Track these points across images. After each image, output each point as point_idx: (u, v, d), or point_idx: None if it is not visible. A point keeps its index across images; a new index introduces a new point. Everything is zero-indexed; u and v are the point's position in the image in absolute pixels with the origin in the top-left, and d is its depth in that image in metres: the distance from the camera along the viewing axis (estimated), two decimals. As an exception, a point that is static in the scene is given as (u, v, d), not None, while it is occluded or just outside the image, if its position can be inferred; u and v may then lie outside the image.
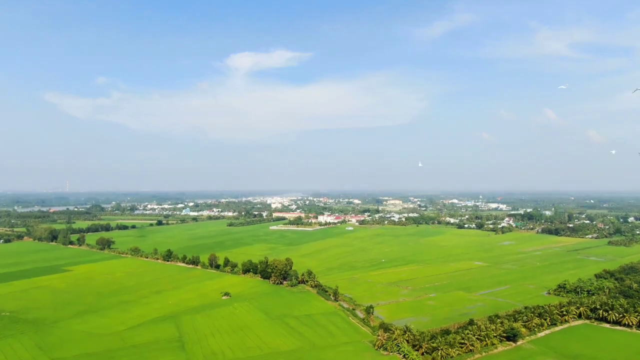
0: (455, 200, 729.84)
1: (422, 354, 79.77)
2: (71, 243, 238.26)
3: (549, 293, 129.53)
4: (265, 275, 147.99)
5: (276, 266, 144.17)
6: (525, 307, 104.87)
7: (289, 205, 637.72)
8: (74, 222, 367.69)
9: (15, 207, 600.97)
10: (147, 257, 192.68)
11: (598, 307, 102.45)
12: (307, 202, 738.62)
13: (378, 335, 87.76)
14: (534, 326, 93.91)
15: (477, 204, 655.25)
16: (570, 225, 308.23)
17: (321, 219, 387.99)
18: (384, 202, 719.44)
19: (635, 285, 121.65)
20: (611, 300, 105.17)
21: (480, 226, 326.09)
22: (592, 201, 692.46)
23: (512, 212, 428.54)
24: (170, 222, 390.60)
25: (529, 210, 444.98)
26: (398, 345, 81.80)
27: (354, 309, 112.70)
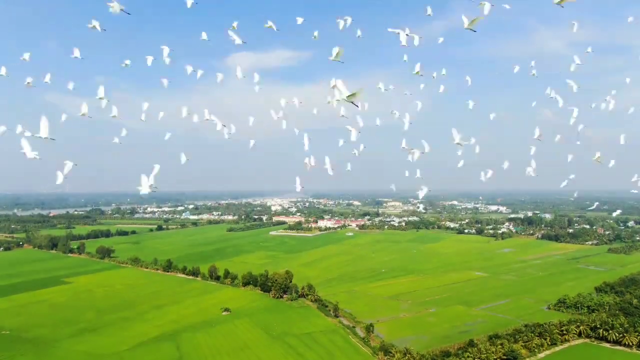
0: (455, 202, 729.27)
1: (422, 379, 79.88)
2: (71, 251, 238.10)
3: (549, 308, 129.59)
4: (266, 289, 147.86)
5: (276, 280, 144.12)
6: (526, 326, 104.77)
7: (289, 207, 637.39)
8: (74, 227, 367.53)
9: (15, 210, 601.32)
10: (147, 267, 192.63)
11: (598, 326, 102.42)
12: (307, 204, 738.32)
13: (378, 358, 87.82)
14: (534, 347, 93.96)
15: (477, 205, 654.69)
16: (570, 231, 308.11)
17: (321, 223, 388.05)
18: (384, 204, 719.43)
19: (635, 301, 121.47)
20: (611, 318, 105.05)
21: (480, 231, 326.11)
22: (589, 202, 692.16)
23: (512, 216, 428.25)
24: (170, 226, 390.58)
25: (529, 214, 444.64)
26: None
27: (354, 327, 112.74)
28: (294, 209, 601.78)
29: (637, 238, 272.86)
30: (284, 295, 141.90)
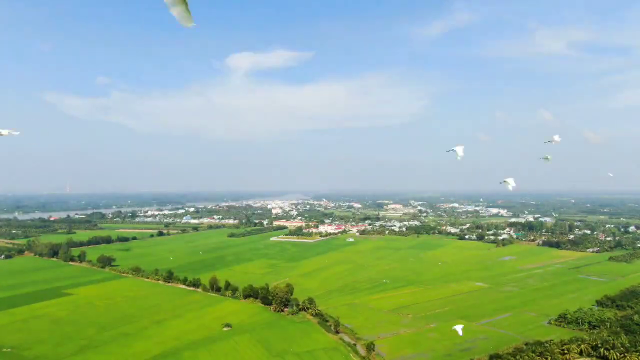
0: (456, 204, 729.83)
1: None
2: (72, 259, 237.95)
3: (550, 323, 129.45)
4: (266, 302, 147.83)
5: (277, 293, 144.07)
6: (527, 344, 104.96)
7: (290, 210, 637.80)
8: (74, 232, 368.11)
9: (16, 214, 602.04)
10: (147, 278, 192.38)
11: (599, 344, 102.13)
12: (308, 206, 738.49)
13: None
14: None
15: (477, 208, 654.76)
16: (571, 237, 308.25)
17: (322, 228, 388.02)
18: (385, 207, 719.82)
19: (636, 317, 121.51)
20: (612, 337, 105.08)
21: (481, 237, 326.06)
22: (590, 205, 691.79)
23: (513, 220, 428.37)
24: (171, 231, 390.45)
25: (529, 218, 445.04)
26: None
27: (354, 344, 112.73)
28: (294, 212, 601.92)
29: (638, 245, 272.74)
30: (285, 309, 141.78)
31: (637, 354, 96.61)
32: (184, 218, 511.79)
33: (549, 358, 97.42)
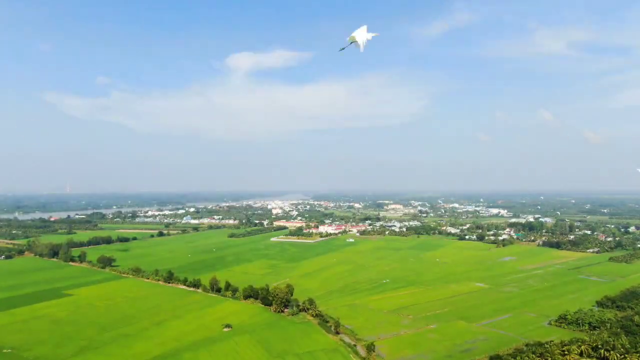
0: (456, 205, 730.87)
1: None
2: (72, 260, 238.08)
3: (550, 324, 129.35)
4: (267, 302, 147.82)
5: (277, 294, 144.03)
6: (527, 345, 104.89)
7: (290, 210, 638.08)
8: (74, 233, 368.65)
9: (16, 214, 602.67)
10: (148, 278, 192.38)
11: (599, 346, 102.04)
12: (308, 206, 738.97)
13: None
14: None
15: (478, 208, 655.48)
16: (572, 237, 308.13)
17: (322, 229, 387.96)
18: (385, 207, 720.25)
19: (636, 318, 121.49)
20: (612, 337, 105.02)
21: (481, 238, 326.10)
22: (590, 205, 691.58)
23: (513, 221, 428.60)
24: (171, 231, 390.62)
25: (530, 219, 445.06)
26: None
27: (355, 345, 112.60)
28: (294, 213, 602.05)
29: (639, 245, 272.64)
30: (285, 310, 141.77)
31: (638, 355, 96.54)
32: (184, 218, 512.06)
33: (549, 359, 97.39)
